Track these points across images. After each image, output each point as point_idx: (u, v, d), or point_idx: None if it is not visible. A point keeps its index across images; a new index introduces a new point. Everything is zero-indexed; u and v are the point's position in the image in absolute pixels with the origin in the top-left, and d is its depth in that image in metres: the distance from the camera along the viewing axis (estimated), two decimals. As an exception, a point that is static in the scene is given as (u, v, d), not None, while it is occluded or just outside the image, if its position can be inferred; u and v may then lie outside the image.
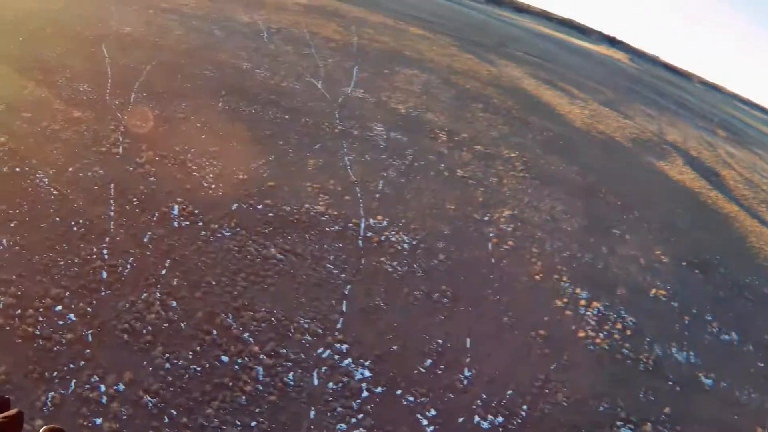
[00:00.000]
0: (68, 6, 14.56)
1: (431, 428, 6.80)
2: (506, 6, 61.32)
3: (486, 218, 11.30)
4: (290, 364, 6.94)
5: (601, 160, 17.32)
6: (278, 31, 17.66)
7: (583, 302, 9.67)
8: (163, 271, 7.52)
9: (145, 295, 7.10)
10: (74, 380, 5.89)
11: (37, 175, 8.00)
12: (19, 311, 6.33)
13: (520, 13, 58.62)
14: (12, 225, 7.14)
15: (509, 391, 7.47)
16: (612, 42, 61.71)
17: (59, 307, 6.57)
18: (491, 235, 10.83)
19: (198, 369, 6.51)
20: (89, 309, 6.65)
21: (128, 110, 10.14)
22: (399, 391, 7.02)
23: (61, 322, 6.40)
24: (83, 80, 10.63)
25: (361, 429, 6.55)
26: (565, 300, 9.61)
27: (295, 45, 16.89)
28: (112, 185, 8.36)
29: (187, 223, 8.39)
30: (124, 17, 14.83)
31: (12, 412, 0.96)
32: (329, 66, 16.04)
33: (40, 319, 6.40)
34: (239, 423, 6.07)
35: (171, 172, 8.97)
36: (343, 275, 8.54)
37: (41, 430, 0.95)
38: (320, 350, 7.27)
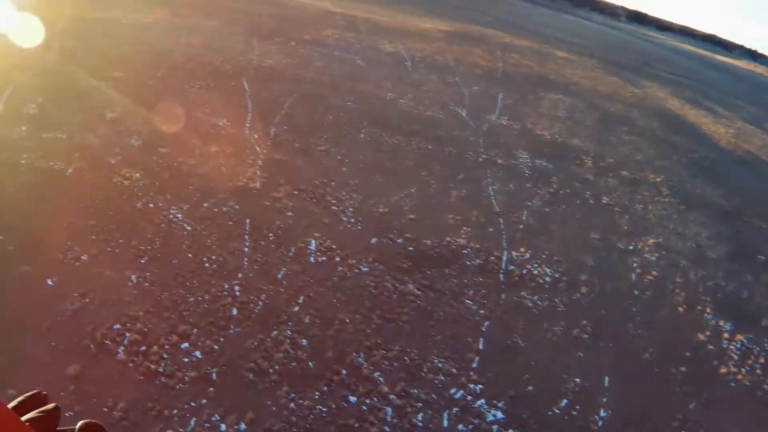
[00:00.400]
0: (208, 42, 15.20)
1: (559, 471, 6.25)
2: (649, 24, 59.83)
3: (630, 247, 10.44)
4: (420, 404, 6.33)
5: (746, 181, 16.11)
6: (422, 59, 17.49)
7: (726, 335, 8.78)
8: (296, 309, 7.21)
9: (275, 333, 6.85)
10: (194, 419, 5.72)
11: (171, 211, 7.90)
12: (144, 348, 6.32)
13: (663, 32, 57.30)
14: (143, 261, 7.01)
15: (644, 433, 6.88)
16: (754, 56, 59.56)
17: (185, 345, 6.49)
18: (635, 265, 9.96)
19: (324, 409, 6.11)
20: (216, 347, 6.51)
21: (267, 144, 10.20)
22: (530, 433, 6.45)
23: (185, 360, 6.30)
24: (222, 114, 10.80)
25: (488, 471, 6.02)
26: (708, 333, 8.69)
27: (440, 73, 16.61)
28: (247, 220, 8.22)
29: (324, 258, 8.01)
30: (266, 50, 15.33)
31: (49, 406, 0.91)
32: (474, 93, 15.59)
33: (165, 356, 6.31)
34: (363, 463, 5.63)
35: (309, 206, 8.68)
36: (482, 311, 7.90)
37: (78, 424, 0.88)
38: (453, 390, 6.57)
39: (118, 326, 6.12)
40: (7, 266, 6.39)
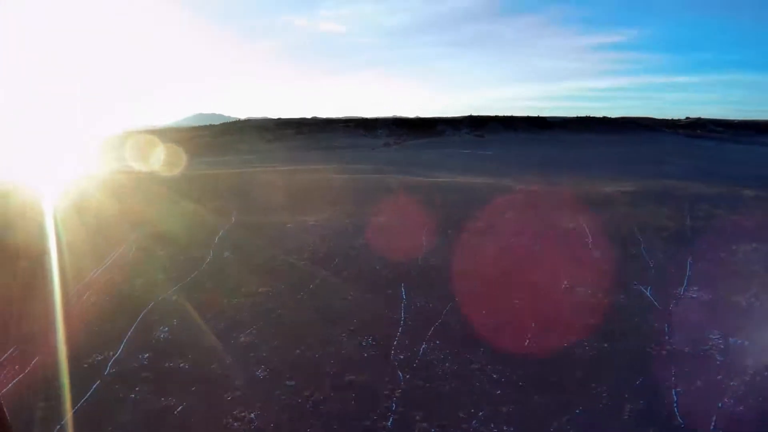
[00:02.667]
0: (373, 242, 15.69)
1: None
2: None
3: None
4: None
5: None
6: (604, 231, 16.71)
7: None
8: None
9: None
10: None
11: None
12: None
13: None
14: None
15: None
16: None
17: None
18: None
19: None
20: None
21: (412, 367, 9.78)
22: None
23: None
24: (369, 331, 10.53)
25: None
26: None
27: (622, 245, 15.64)
28: None
29: None
30: (433, 247, 15.40)
31: None
32: (660, 263, 14.31)
33: None
34: None
35: None
36: None
37: None
38: None
39: None
40: None
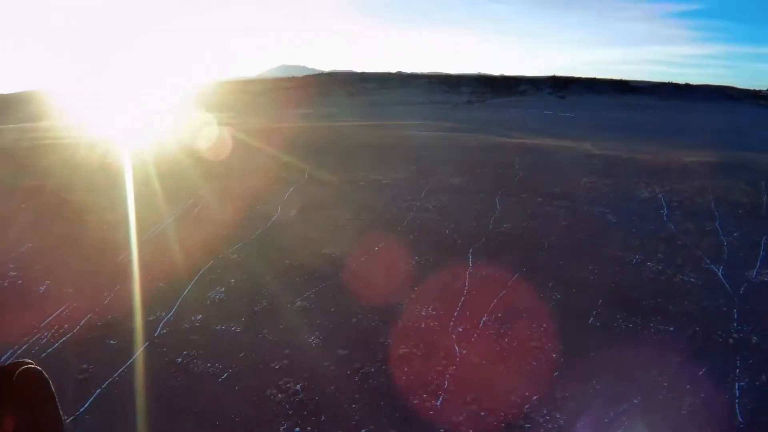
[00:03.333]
0: (445, 205, 15.12)
1: None
2: None
3: None
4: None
5: None
6: (680, 204, 15.63)
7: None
8: None
9: None
10: None
11: None
12: None
13: None
14: None
15: None
16: None
17: None
18: None
19: None
20: None
21: (470, 341, 9.25)
22: None
23: None
24: (430, 300, 10.05)
25: None
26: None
27: (697, 219, 14.49)
28: None
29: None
30: (506, 212, 14.72)
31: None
32: (733, 242, 13.10)
33: None
34: None
35: None
36: None
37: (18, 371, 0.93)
38: None
39: None
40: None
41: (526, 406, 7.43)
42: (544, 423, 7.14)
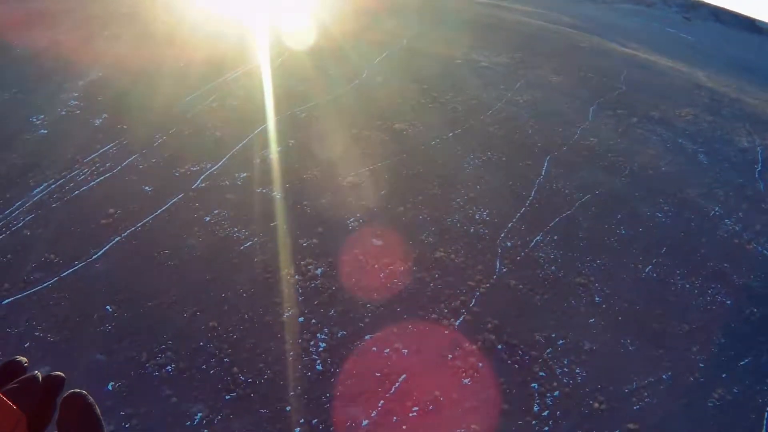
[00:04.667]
0: (538, 101, 13.99)
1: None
2: None
3: None
4: None
5: None
6: None
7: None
8: None
9: None
10: None
11: (319, 336, 6.98)
12: None
13: None
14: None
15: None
16: None
17: None
18: None
19: None
20: None
21: (515, 259, 8.33)
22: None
23: None
24: (488, 203, 9.22)
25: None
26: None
27: None
28: (404, 376, 6.70)
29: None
30: (597, 123, 13.49)
31: (25, 377, 0.92)
32: None
33: None
34: None
35: (507, 371, 6.38)
36: None
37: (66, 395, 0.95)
38: None
39: None
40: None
41: (548, 351, 6.70)
42: (559, 373, 6.45)
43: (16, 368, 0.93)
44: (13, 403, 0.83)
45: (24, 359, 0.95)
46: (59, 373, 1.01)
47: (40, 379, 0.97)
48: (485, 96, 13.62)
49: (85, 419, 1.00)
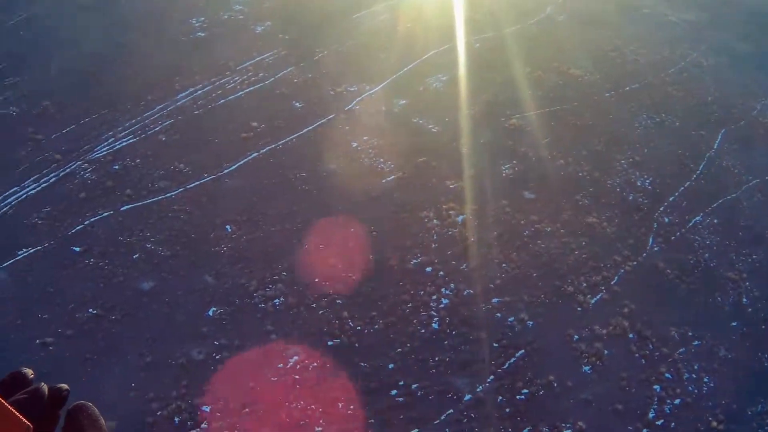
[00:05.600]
0: (719, 69, 12.21)
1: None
2: None
3: None
4: None
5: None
6: None
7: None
8: None
9: None
10: None
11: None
12: None
13: None
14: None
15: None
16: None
17: None
18: None
19: None
20: None
21: (669, 238, 7.14)
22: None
23: None
24: (653, 169, 8.38)
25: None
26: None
27: None
28: None
29: None
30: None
31: (32, 388, 0.90)
32: None
33: None
34: None
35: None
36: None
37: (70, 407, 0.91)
38: None
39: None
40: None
41: (680, 350, 5.71)
42: (686, 378, 5.46)
43: (22, 380, 0.90)
44: (20, 414, 0.80)
45: (30, 371, 0.91)
46: (64, 385, 0.96)
47: (46, 390, 0.93)
48: (668, 52, 12.09)
49: (91, 430, 0.96)
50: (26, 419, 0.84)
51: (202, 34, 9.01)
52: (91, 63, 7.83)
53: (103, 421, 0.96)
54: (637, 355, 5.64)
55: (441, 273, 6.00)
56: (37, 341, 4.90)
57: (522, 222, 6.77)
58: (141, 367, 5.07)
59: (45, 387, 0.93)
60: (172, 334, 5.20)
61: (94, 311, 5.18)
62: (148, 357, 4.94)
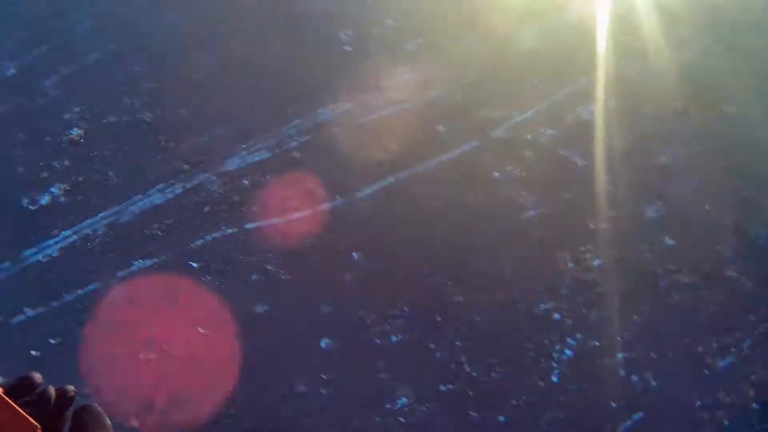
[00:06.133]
0: None
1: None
2: None
3: None
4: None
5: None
6: None
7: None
8: None
9: None
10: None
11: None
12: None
13: None
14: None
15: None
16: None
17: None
18: None
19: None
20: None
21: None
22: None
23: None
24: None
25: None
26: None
27: None
28: None
29: None
30: None
31: (39, 390, 1.00)
32: None
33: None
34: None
35: None
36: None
37: (76, 408, 1.05)
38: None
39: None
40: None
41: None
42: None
43: (30, 384, 0.96)
44: (28, 415, 0.87)
45: (38, 375, 0.98)
46: (70, 386, 1.04)
47: (53, 393, 1.00)
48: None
49: (96, 429, 1.05)
50: (34, 420, 0.92)
51: (349, 49, 8.95)
52: (231, 71, 7.99)
53: (108, 422, 1.06)
54: (757, 428, 5.11)
55: (569, 321, 5.64)
56: (140, 356, 5.00)
57: (659, 271, 6.28)
58: (241, 394, 5.09)
59: (52, 389, 1.01)
60: (277, 363, 5.17)
61: (203, 330, 5.25)
62: (250, 386, 4.94)
